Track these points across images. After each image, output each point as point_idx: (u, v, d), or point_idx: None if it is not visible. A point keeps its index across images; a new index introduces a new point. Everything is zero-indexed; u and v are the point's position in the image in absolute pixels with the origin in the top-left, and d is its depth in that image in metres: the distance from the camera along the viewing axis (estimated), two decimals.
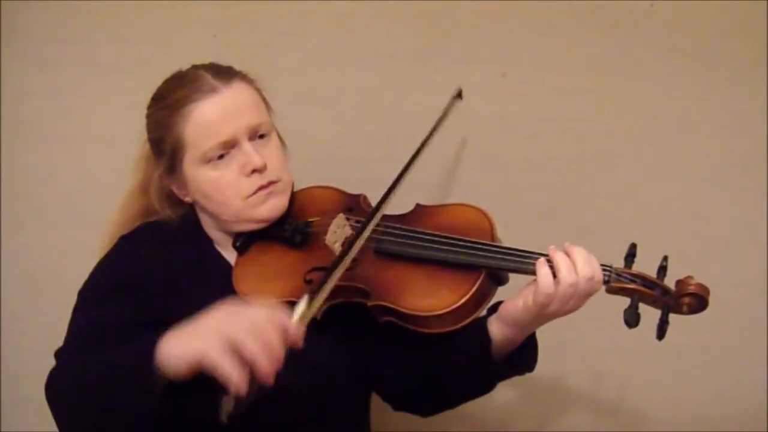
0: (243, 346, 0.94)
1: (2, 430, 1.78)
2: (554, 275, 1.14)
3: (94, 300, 1.24)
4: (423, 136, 1.71)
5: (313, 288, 1.06)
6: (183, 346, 0.97)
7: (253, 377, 0.94)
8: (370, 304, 1.21)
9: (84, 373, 1.09)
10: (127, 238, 1.33)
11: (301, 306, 1.02)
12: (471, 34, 1.73)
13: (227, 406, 0.93)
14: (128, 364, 1.01)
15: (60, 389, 1.10)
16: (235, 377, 0.92)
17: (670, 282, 1.18)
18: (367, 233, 1.20)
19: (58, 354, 1.19)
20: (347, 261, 1.14)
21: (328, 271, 1.10)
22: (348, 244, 1.16)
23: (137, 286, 1.25)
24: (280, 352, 0.96)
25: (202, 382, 0.96)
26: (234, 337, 0.94)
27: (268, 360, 0.94)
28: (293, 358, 1.26)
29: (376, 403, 1.41)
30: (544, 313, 1.15)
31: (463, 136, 1.57)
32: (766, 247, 1.79)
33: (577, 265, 1.14)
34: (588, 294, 1.15)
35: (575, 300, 1.14)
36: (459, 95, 1.61)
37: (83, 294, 1.26)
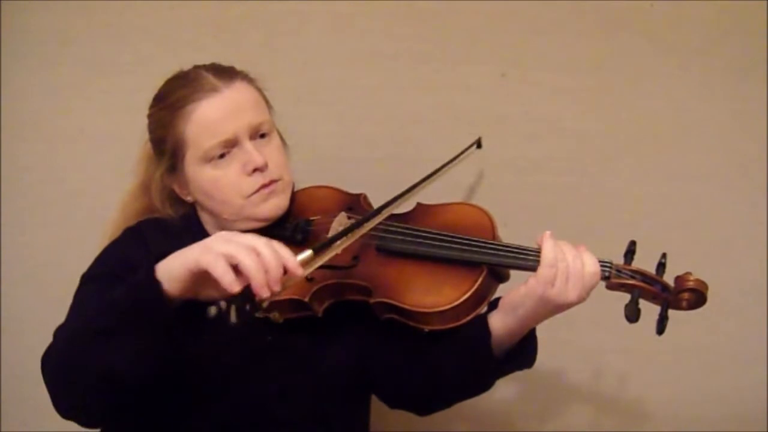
0: (239, 257, 0.96)
1: (2, 430, 1.78)
2: None
3: (94, 282, 1.24)
4: (422, 138, 1.73)
5: (323, 242, 1.08)
6: (180, 259, 1.00)
7: (248, 287, 0.96)
8: (372, 301, 1.21)
9: (75, 324, 1.11)
10: (131, 229, 1.34)
11: (307, 253, 1.03)
12: (471, 34, 1.73)
13: (220, 305, 0.96)
14: (126, 290, 1.02)
15: (50, 355, 1.09)
16: (228, 277, 0.95)
17: (669, 278, 1.20)
18: (378, 219, 1.21)
19: (56, 332, 1.16)
20: (365, 228, 1.17)
21: (347, 229, 1.12)
22: (362, 219, 1.18)
23: None
24: (276, 274, 0.97)
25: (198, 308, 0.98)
26: (230, 250, 0.96)
27: (263, 275, 0.96)
28: (294, 357, 1.28)
29: (376, 403, 1.41)
30: (546, 295, 1.15)
31: (463, 137, 1.57)
32: (766, 247, 1.79)
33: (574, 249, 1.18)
34: (581, 279, 1.15)
35: (575, 284, 1.15)
36: (478, 144, 1.61)
37: (85, 277, 1.27)
